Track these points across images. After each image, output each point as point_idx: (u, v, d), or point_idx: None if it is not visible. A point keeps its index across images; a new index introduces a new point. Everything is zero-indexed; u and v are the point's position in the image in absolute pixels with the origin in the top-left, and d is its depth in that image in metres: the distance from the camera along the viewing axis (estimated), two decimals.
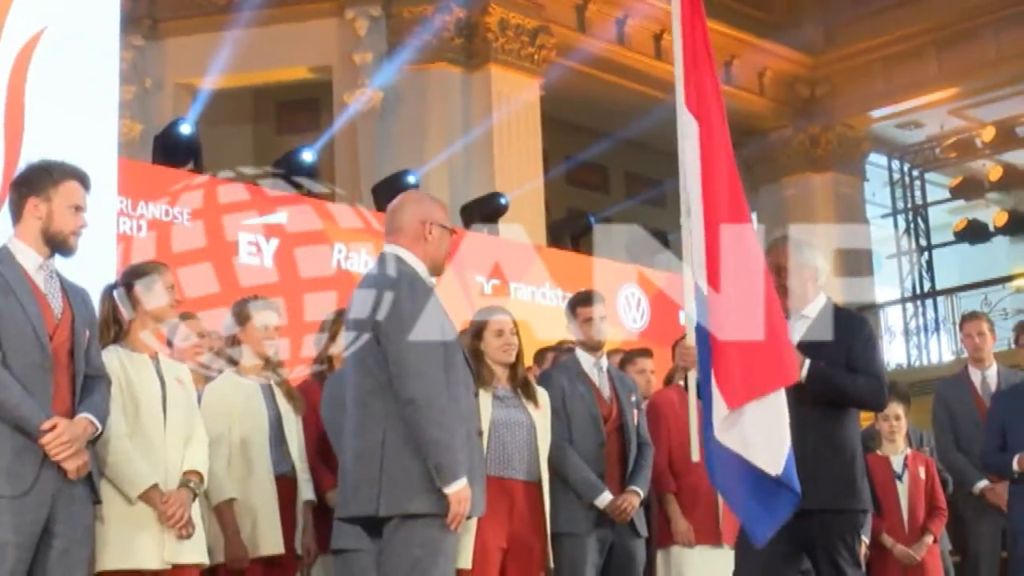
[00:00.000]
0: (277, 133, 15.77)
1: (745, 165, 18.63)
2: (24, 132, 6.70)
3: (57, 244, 4.15)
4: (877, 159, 19.26)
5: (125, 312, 4.56)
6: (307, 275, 9.62)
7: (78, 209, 4.20)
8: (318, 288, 9.27)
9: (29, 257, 4.10)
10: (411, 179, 11.50)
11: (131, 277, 4.62)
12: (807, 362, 4.89)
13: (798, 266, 5.07)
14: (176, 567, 4.40)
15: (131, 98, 13.96)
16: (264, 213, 9.69)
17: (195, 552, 4.50)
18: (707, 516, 6.26)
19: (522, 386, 5.52)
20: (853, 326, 5.10)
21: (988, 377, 7.53)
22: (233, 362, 5.34)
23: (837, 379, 4.93)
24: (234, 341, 5.36)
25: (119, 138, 12.44)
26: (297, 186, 10.30)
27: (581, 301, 6.15)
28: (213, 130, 13.23)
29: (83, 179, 4.26)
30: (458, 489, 4.12)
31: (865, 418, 8.39)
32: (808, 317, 5.07)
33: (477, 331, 5.49)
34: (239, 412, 5.24)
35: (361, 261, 9.96)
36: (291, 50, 14.33)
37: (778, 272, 5.04)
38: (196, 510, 4.57)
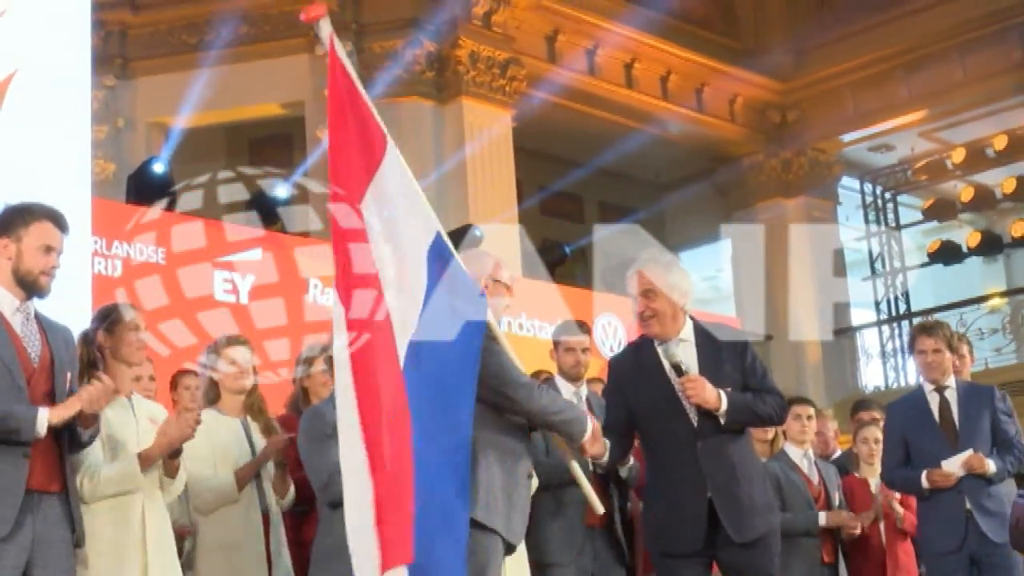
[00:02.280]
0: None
1: (718, 192, 18.78)
2: None
3: (27, 285, 4.11)
4: (850, 182, 19.35)
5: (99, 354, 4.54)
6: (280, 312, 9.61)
7: (49, 249, 4.15)
8: (295, 325, 9.27)
9: (5, 300, 4.08)
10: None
11: (102, 319, 4.60)
12: (723, 395, 4.82)
13: (668, 288, 4.92)
14: None
15: (104, 138, 13.94)
16: (238, 251, 9.70)
17: None
18: None
19: None
20: (737, 343, 5.02)
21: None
22: (211, 401, 5.35)
23: (750, 404, 4.90)
24: (211, 380, 5.37)
25: (92, 178, 12.48)
26: (273, 221, 10.31)
27: (564, 331, 6.21)
28: (187, 168, 13.21)
29: (56, 219, 4.22)
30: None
31: (844, 442, 8.45)
32: (688, 340, 4.97)
33: None
34: (222, 451, 5.24)
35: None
36: (263, 87, 14.35)
37: (646, 295, 4.92)
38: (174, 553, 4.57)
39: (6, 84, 6.71)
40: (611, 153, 15.98)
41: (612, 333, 12.56)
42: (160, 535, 4.47)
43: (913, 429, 6.43)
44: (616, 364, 5.27)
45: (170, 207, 9.97)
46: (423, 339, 4.00)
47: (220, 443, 5.22)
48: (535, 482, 4.74)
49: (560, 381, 6.12)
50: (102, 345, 4.51)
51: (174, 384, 6.72)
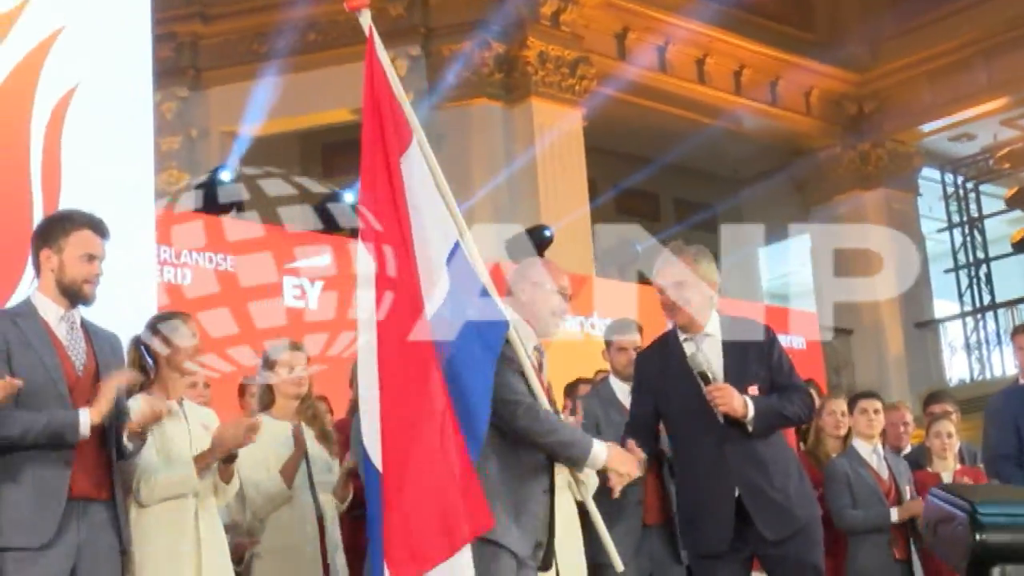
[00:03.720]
0: (324, 176, 15.90)
1: (795, 186, 18.62)
2: (61, 188, 6.84)
3: (71, 294, 4.16)
4: (930, 173, 19.13)
5: (151, 360, 4.60)
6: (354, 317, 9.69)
7: (91, 258, 4.18)
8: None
9: (50, 309, 4.13)
10: None
11: (156, 326, 4.66)
12: (749, 402, 4.76)
13: (697, 279, 4.83)
14: None
15: (177, 148, 14.17)
16: (307, 256, 9.78)
17: None
18: None
19: None
20: (761, 337, 4.93)
21: None
22: (265, 406, 5.40)
23: (776, 408, 4.83)
24: (266, 386, 5.42)
25: (167, 188, 12.66)
26: (338, 228, 10.41)
27: (616, 330, 6.20)
28: (260, 176, 13.37)
29: (96, 226, 4.24)
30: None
31: (916, 436, 8.34)
32: (713, 335, 4.89)
33: None
34: (274, 456, 5.29)
35: None
36: (333, 93, 14.46)
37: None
38: (228, 559, 4.62)
39: (68, 98, 6.83)
40: (685, 150, 15.92)
41: None
42: (213, 540, 4.52)
43: None
44: (642, 361, 5.23)
45: (238, 214, 10.13)
46: (443, 346, 4.03)
47: (272, 448, 5.26)
48: (591, 484, 4.69)
49: (614, 380, 6.11)
50: (156, 353, 4.56)
51: (242, 391, 6.78)
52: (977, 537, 3.69)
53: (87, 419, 3.95)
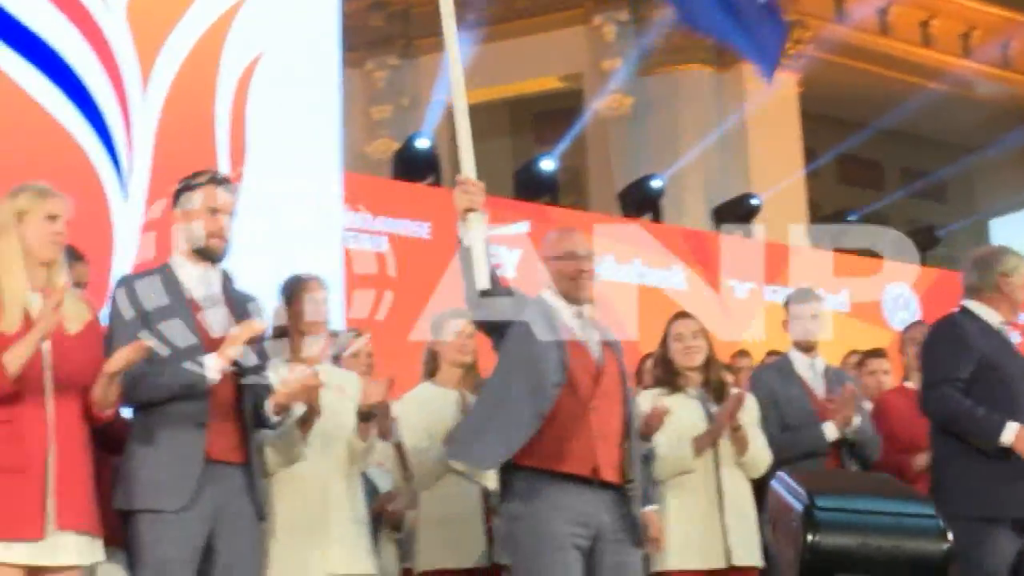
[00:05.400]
0: (536, 143, 15.93)
1: None
2: (246, 156, 6.99)
3: (202, 250, 4.14)
4: None
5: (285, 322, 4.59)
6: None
7: (214, 211, 4.14)
8: None
9: (186, 270, 4.15)
10: (656, 183, 11.43)
11: (284, 291, 4.66)
12: None
13: None
14: None
15: (388, 116, 14.37)
16: (505, 223, 9.78)
17: (363, 564, 4.49)
18: None
19: (715, 389, 5.39)
20: None
21: None
22: (431, 373, 5.39)
23: None
24: (432, 352, 5.42)
25: (377, 156, 12.85)
26: (537, 196, 10.40)
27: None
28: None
29: (216, 180, 4.21)
30: None
31: None
32: None
33: (663, 338, 5.42)
34: (439, 423, 5.28)
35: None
36: (542, 60, 14.46)
37: None
38: (366, 525, 4.63)
39: (252, 67, 6.96)
40: (909, 116, 15.39)
41: (904, 304, 12.13)
42: (346, 509, 4.49)
43: None
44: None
45: (435, 182, 10.19)
46: None
47: (436, 415, 5.25)
48: None
49: (793, 352, 5.91)
50: (287, 317, 4.58)
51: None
52: (809, 538, 3.25)
53: (213, 361, 3.97)
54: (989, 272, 5.01)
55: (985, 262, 5.07)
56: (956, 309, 5.08)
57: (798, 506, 3.28)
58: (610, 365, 4.35)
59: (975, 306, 5.00)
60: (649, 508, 4.45)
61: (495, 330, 4.32)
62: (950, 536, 3.40)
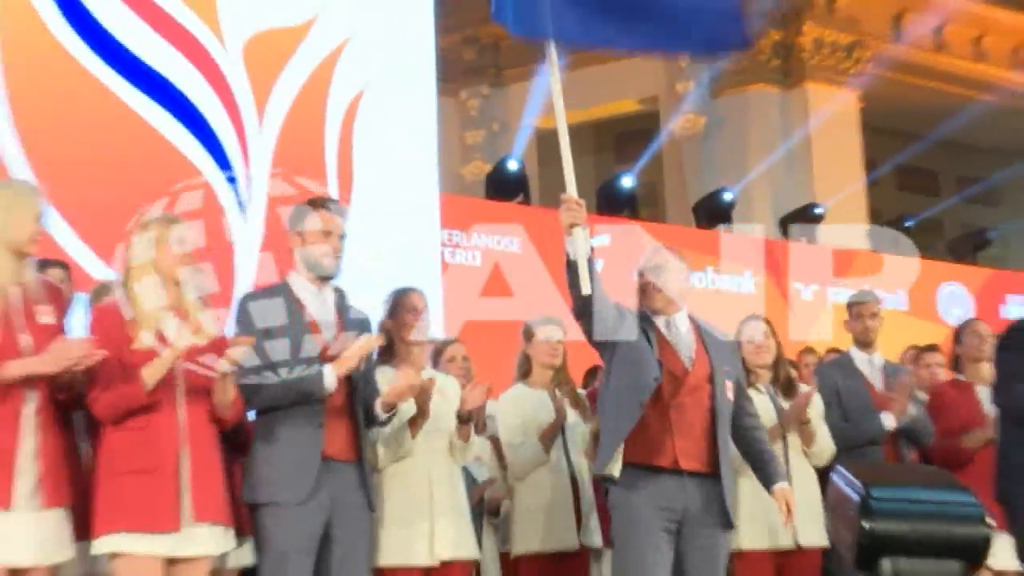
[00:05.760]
0: (616, 162, 15.93)
1: None
2: (354, 182, 7.10)
3: (315, 268, 4.17)
4: None
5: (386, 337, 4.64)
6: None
7: (328, 234, 4.17)
8: None
9: (303, 288, 4.19)
10: (727, 196, 11.40)
11: (387, 305, 4.69)
12: None
13: None
14: (446, 564, 4.43)
15: (480, 141, 14.45)
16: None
17: (466, 548, 4.54)
18: None
19: (783, 385, 5.40)
20: None
21: None
22: (524, 375, 5.44)
23: None
24: (525, 355, 5.46)
25: (470, 178, 12.91)
26: (617, 211, 10.42)
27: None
28: (556, 165, 13.48)
29: (326, 204, 4.25)
30: None
31: None
32: None
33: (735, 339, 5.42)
34: (532, 421, 5.33)
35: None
36: (621, 85, 14.48)
37: None
38: (467, 514, 4.68)
39: (356, 101, 7.07)
40: (963, 126, 15.19)
41: (957, 302, 11.98)
42: (448, 499, 4.53)
43: None
44: None
45: (524, 201, 10.25)
46: None
47: (529, 413, 5.30)
48: None
49: (854, 350, 5.89)
50: (390, 331, 4.62)
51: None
52: (865, 525, 3.29)
53: (330, 372, 4.02)
54: None
55: None
56: None
57: (855, 496, 3.33)
58: (699, 367, 4.41)
59: None
60: (778, 486, 4.47)
61: (604, 345, 4.42)
62: (989, 521, 3.43)
